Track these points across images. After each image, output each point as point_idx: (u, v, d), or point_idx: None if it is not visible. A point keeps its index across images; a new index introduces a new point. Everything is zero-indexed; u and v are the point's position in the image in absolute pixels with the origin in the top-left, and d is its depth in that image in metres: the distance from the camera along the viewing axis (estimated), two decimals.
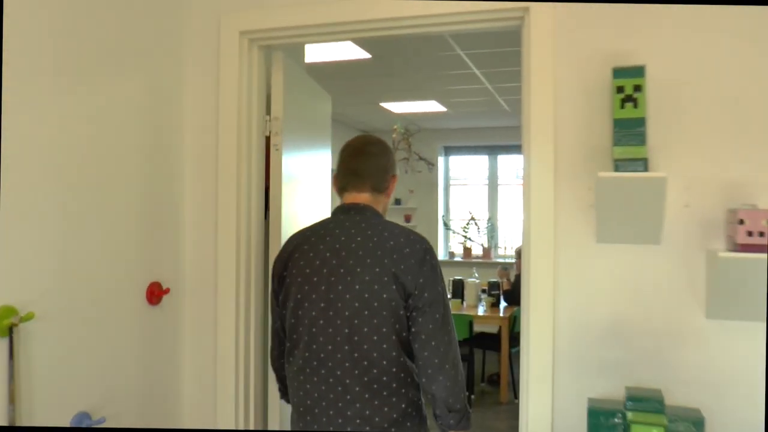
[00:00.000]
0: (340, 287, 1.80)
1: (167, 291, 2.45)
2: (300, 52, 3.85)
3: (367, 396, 1.77)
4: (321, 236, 1.89)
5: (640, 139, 1.95)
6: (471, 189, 10.28)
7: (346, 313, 1.78)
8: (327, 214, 3.84)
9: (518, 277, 7.34)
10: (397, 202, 10.05)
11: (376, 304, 1.77)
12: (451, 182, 10.34)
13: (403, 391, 1.80)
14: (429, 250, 1.86)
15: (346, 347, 1.78)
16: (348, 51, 5.50)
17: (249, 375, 2.65)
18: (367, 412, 1.77)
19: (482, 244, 9.90)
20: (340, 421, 1.79)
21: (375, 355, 1.77)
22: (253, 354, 2.67)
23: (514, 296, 7.11)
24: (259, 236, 2.73)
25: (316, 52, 5.47)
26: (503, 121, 9.20)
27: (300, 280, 1.86)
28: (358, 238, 1.84)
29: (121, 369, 2.28)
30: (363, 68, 6.11)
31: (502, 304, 7.16)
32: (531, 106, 2.29)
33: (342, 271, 1.81)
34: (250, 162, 2.67)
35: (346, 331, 1.78)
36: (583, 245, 2.19)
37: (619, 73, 1.99)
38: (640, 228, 2.07)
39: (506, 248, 9.78)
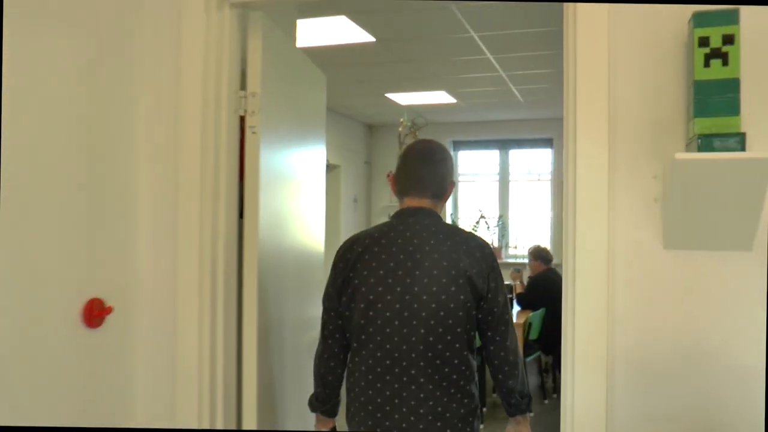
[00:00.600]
0: (416, 289, 1.87)
1: (110, 310, 1.93)
2: (290, 25, 3.30)
3: (438, 393, 1.86)
4: (392, 238, 1.94)
5: (733, 108, 1.43)
6: (481, 185, 9.75)
7: (423, 314, 1.86)
8: (320, 216, 3.34)
9: (532, 280, 6.81)
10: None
11: (452, 305, 1.86)
12: (460, 178, 9.80)
13: (469, 387, 1.91)
14: (494, 256, 1.97)
15: (421, 347, 1.85)
16: (349, 33, 4.99)
17: (216, 402, 2.14)
18: (439, 409, 1.86)
19: (492, 244, 9.38)
20: (412, 418, 1.85)
21: (448, 354, 1.86)
22: (221, 378, 2.15)
23: (527, 300, 6.58)
24: (230, 239, 2.20)
25: (312, 35, 4.96)
26: (516, 114, 8.66)
27: (373, 281, 1.91)
28: (432, 241, 1.91)
29: (53, 410, 1.77)
30: (366, 54, 5.60)
31: (515, 308, 6.64)
32: (576, 70, 1.77)
33: (417, 273, 1.88)
34: (218, 146, 2.13)
35: (422, 331, 1.85)
36: (645, 254, 1.66)
37: (701, 19, 1.47)
38: (726, 228, 1.54)
39: (518, 248, 9.25)
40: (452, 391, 1.87)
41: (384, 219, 8.91)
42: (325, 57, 5.65)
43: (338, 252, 2.04)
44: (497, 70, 6.11)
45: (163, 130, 2.10)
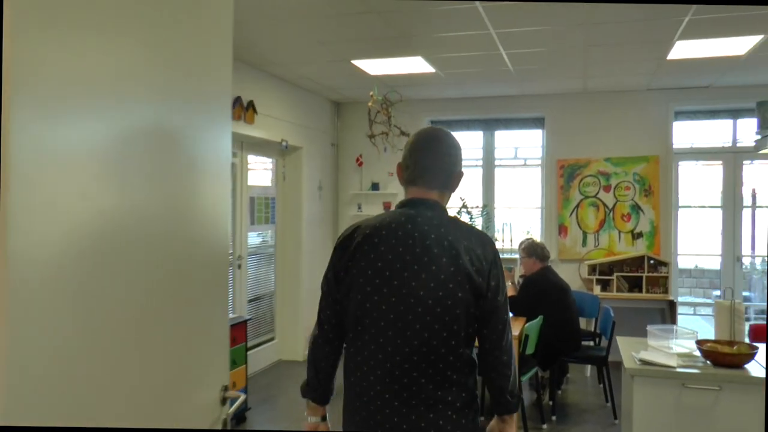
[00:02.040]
0: (413, 283, 1.88)
1: None
2: None
3: (431, 387, 1.87)
4: (392, 230, 1.95)
5: None
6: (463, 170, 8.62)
7: (419, 310, 1.88)
8: (221, 205, 2.21)
9: (527, 281, 5.74)
10: (375, 186, 8.41)
11: (449, 302, 1.88)
12: None
13: (465, 380, 1.92)
14: (497, 253, 1.99)
15: (416, 342, 1.87)
16: None
17: None
18: (431, 402, 1.87)
19: None
20: (404, 410, 1.87)
21: (443, 350, 1.88)
22: None
23: (522, 305, 5.53)
24: None
25: None
26: (503, 88, 7.57)
27: (370, 272, 1.93)
28: (432, 236, 1.92)
29: None
30: (325, 5, 4.47)
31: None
32: None
33: (416, 267, 1.89)
34: None
35: (417, 326, 1.87)
36: None
37: None
38: None
39: (505, 242, 8.18)
40: (446, 385, 1.88)
41: (354, 209, 7.78)
42: (273, 14, 4.54)
43: (339, 239, 2.05)
44: (486, 26, 5.00)
45: None
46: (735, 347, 3.06)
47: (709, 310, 10.25)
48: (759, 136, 3.50)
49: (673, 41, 5.39)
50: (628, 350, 3.48)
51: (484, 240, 1.95)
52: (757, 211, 7.75)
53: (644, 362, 3.09)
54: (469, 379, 1.94)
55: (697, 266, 9.79)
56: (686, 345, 3.35)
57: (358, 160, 8.49)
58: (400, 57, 6.04)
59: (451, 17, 4.82)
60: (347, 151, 8.59)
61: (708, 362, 3.06)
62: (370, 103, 6.76)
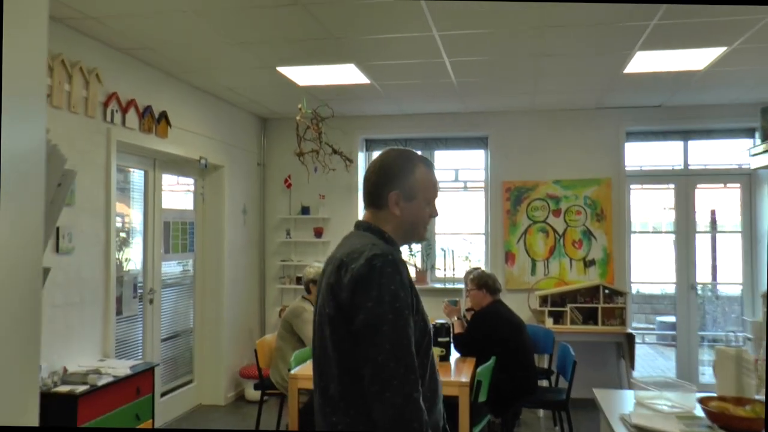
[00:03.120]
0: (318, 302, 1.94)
1: None
2: None
3: (327, 410, 1.84)
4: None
5: None
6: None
7: (317, 331, 1.92)
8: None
9: (477, 315, 5.10)
10: (305, 211, 7.67)
11: (320, 319, 1.89)
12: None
13: (351, 410, 1.79)
14: (374, 267, 1.78)
15: (316, 362, 1.92)
16: None
17: None
18: (324, 426, 1.84)
19: (415, 266, 7.66)
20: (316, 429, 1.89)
21: (327, 371, 1.85)
22: None
23: (472, 344, 4.89)
24: None
25: None
26: (445, 104, 6.99)
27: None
28: (337, 255, 1.92)
29: None
30: None
31: (454, 355, 4.94)
32: None
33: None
34: None
35: (316, 345, 1.92)
36: None
37: None
38: None
39: (446, 270, 7.55)
40: (333, 409, 1.83)
41: (282, 234, 7.00)
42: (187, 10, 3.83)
43: (400, 268, 1.83)
44: (428, 26, 4.37)
45: None
46: (748, 407, 2.46)
47: (654, 338, 9.86)
48: (761, 149, 2.98)
49: (634, 51, 4.89)
50: (612, 407, 2.85)
51: (358, 254, 1.82)
52: (717, 235, 7.37)
53: (640, 429, 2.45)
54: (357, 409, 1.79)
55: (638, 291, 9.37)
56: (681, 401, 2.74)
57: (286, 181, 7.75)
58: (331, 64, 5.37)
59: (390, 14, 4.18)
60: (275, 172, 7.84)
61: (715, 426, 2.44)
62: (298, 117, 6.08)
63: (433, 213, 2.06)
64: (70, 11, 4.11)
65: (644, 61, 5.16)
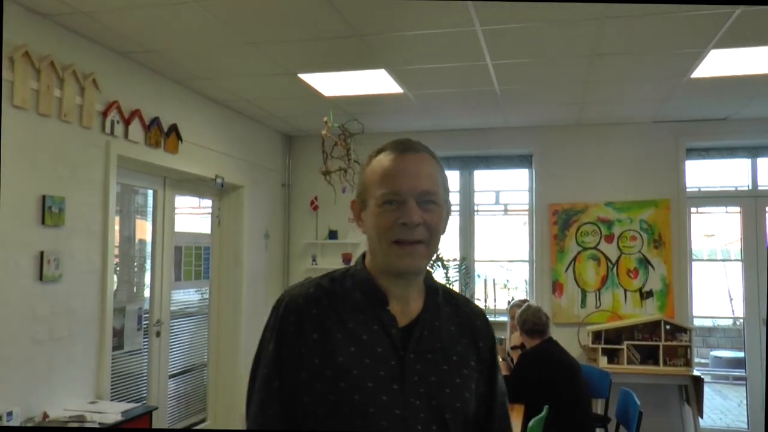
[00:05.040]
0: None
1: None
2: None
3: None
4: None
5: None
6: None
7: None
8: None
9: (526, 357, 4.41)
10: (332, 235, 7.07)
11: None
12: None
13: None
14: (278, 301, 1.47)
15: None
16: None
17: None
18: None
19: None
20: None
21: None
22: None
23: (520, 389, 4.19)
24: None
25: None
26: (485, 119, 6.37)
27: None
28: None
29: None
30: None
31: None
32: None
33: None
34: None
35: None
36: None
37: None
38: None
39: (488, 301, 6.85)
40: None
41: (308, 261, 6.39)
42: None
43: None
44: (470, 20, 3.77)
45: None
46: None
47: (708, 376, 8.97)
48: None
49: (708, 48, 4.22)
50: None
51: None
52: None
53: None
54: None
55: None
56: None
57: (312, 203, 7.16)
58: (359, 69, 4.78)
59: (424, 5, 3.58)
60: (300, 193, 7.26)
61: None
62: (324, 132, 5.51)
63: (399, 217, 1.35)
64: (57, 5, 3.58)
65: (718, 62, 4.48)
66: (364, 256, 1.48)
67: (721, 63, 4.51)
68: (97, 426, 3.58)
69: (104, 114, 4.29)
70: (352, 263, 1.52)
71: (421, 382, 1.35)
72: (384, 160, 1.39)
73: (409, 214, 1.34)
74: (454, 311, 1.49)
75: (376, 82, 5.05)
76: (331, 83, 5.13)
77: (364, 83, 5.12)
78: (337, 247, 7.03)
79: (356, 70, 4.80)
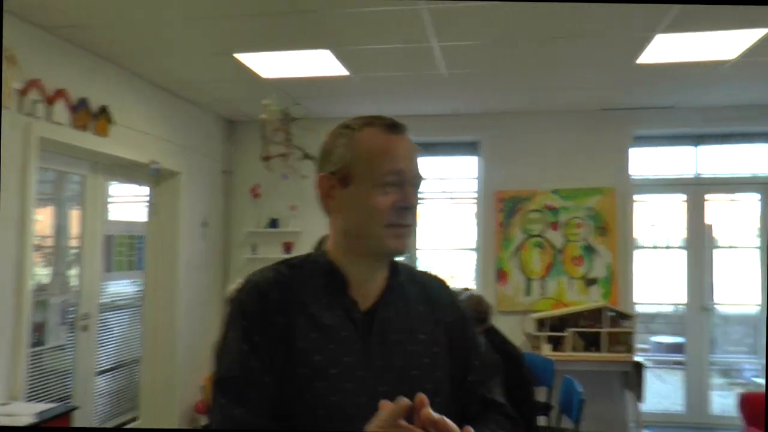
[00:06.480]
0: None
1: None
2: None
3: None
4: None
5: None
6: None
7: None
8: None
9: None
10: (273, 223, 6.85)
11: None
12: None
13: None
14: (239, 289, 1.38)
15: None
16: None
17: None
18: None
19: None
20: None
21: None
22: None
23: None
24: None
25: None
26: (432, 104, 6.25)
27: None
28: None
29: None
30: None
31: None
32: None
33: None
34: None
35: None
36: None
37: None
38: None
39: None
40: None
41: (247, 250, 6.20)
42: None
43: None
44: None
45: None
46: None
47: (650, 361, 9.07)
48: None
49: (654, 33, 4.15)
50: None
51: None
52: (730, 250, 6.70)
53: None
54: None
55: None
56: None
57: (254, 191, 6.91)
58: (301, 49, 4.57)
59: None
60: (242, 181, 7.00)
61: None
62: (264, 115, 5.31)
63: (398, 200, 1.31)
64: None
65: (664, 48, 4.42)
66: (321, 242, 1.46)
67: (667, 49, 4.45)
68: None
69: (23, 92, 3.98)
70: (293, 252, 1.43)
71: (388, 366, 1.32)
72: (378, 136, 1.34)
73: (409, 198, 1.32)
74: (420, 289, 1.46)
75: (320, 63, 4.84)
76: (270, 63, 4.90)
77: (306, 64, 4.90)
78: (278, 236, 6.80)
79: (298, 49, 4.58)
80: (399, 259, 1.44)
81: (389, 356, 1.33)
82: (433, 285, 1.51)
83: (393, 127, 1.36)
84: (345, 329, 1.33)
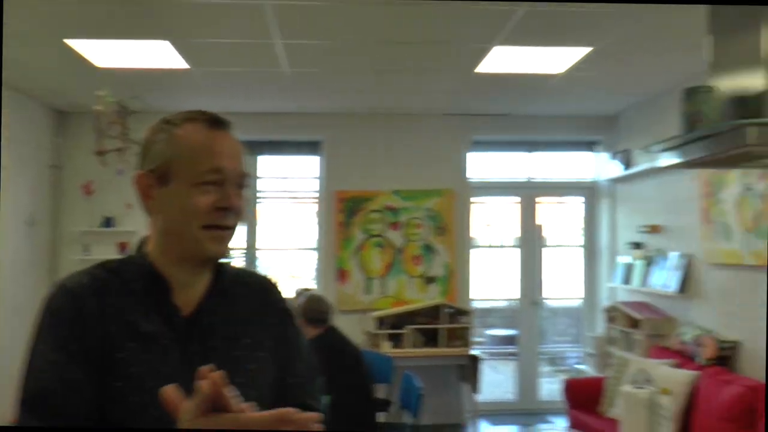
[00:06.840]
0: None
1: None
2: None
3: None
4: None
5: None
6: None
7: None
8: None
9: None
10: (107, 222, 6.51)
11: None
12: None
13: None
14: (50, 296, 1.27)
15: None
16: None
17: None
18: None
19: None
20: None
21: None
22: None
23: None
24: None
25: None
26: (274, 102, 6.22)
27: None
28: None
29: None
30: None
31: None
32: None
33: None
34: None
35: None
36: None
37: None
38: None
39: None
40: None
41: (78, 251, 5.81)
42: None
43: None
44: None
45: None
46: None
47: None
48: (679, 140, 2.41)
49: (492, 44, 4.37)
50: None
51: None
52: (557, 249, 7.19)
53: None
54: None
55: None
56: None
57: (86, 187, 6.53)
58: (139, 39, 4.39)
59: None
60: (73, 176, 6.59)
61: None
62: (98, 107, 5.03)
63: (218, 200, 1.24)
64: None
65: (500, 59, 4.67)
66: (142, 243, 1.34)
67: (503, 60, 4.70)
68: None
69: None
70: (129, 253, 1.34)
71: None
72: (200, 132, 1.26)
73: (230, 198, 1.25)
74: (246, 291, 1.40)
75: (159, 54, 4.66)
76: (106, 52, 4.66)
77: (145, 55, 4.71)
78: (112, 236, 6.47)
79: (136, 38, 4.39)
80: (225, 260, 1.38)
81: (209, 363, 1.21)
82: (259, 286, 1.45)
83: (215, 122, 1.29)
84: (165, 337, 1.25)
